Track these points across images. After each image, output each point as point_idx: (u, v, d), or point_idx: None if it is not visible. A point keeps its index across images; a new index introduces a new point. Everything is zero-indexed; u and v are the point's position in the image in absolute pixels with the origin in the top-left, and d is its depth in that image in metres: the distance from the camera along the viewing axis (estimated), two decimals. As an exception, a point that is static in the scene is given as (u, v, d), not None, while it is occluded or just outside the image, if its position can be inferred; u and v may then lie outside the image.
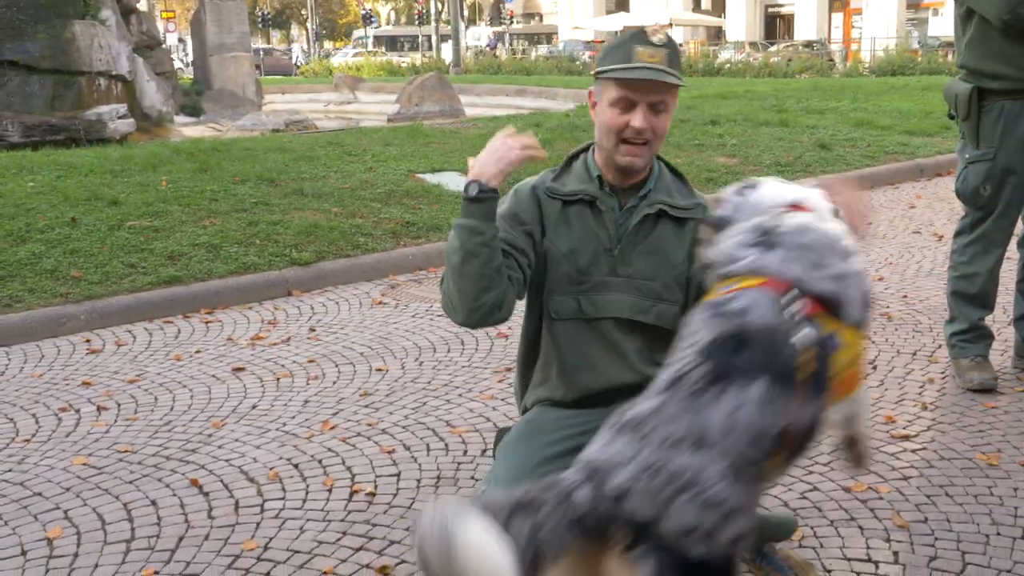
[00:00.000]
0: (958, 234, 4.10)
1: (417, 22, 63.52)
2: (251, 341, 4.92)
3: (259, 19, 52.08)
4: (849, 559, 2.71)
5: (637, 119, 2.31)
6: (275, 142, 9.83)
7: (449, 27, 36.08)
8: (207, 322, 5.28)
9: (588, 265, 2.40)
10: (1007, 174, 3.85)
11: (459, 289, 2.24)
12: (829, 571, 2.66)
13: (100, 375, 4.48)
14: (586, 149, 2.51)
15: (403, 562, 2.75)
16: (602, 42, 43.85)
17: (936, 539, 2.79)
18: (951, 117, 4.04)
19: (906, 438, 3.50)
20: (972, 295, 4.04)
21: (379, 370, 4.43)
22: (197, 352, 4.77)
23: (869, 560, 2.70)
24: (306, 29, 67.77)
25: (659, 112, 2.33)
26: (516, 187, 2.48)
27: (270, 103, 20.40)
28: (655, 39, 2.32)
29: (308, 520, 3.02)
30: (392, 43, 63.74)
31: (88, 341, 4.99)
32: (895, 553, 2.73)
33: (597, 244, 2.41)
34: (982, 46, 3.79)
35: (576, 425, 2.36)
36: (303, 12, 68.06)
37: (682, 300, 2.44)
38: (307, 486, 3.26)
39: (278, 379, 4.34)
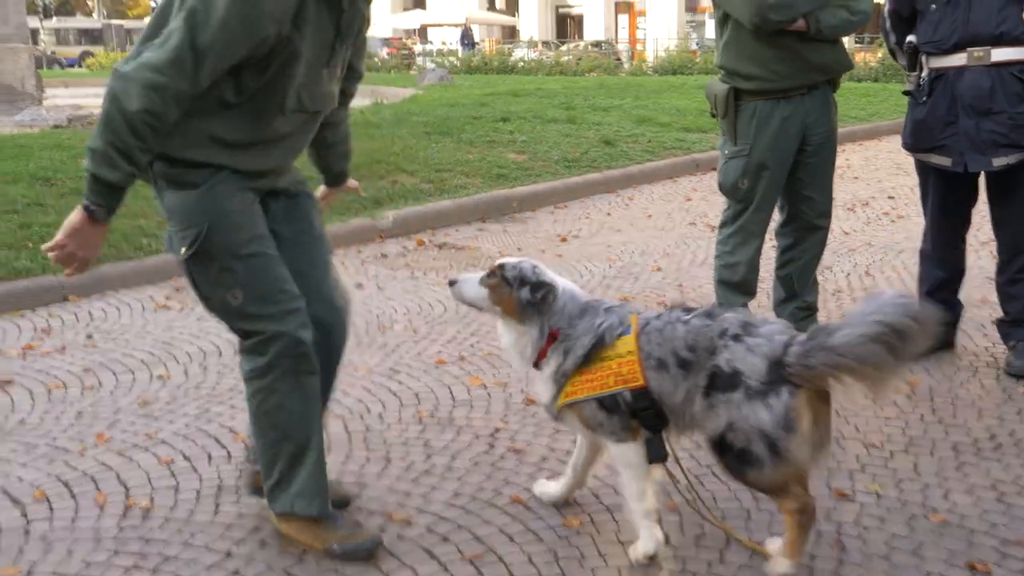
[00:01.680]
0: (721, 226, 4.28)
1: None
2: (22, 351, 4.59)
3: (40, 8, 48.99)
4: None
5: None
6: (53, 138, 9.26)
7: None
8: (-27, 332, 4.92)
9: (315, 59, 2.54)
10: (761, 169, 4.04)
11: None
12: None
13: None
14: None
15: (178, 578, 2.63)
16: (400, 39, 43.82)
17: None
18: (712, 115, 4.22)
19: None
20: (735, 283, 4.24)
21: (160, 377, 4.22)
22: (-41, 365, 4.43)
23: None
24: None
25: None
26: None
27: (52, 98, 19.26)
28: None
29: (76, 540, 2.83)
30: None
31: None
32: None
33: (325, 39, 2.55)
34: (737, 48, 3.96)
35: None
36: (89, 2, 64.60)
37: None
38: (76, 504, 3.05)
39: (50, 391, 4.07)
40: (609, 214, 7.73)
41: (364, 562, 2.66)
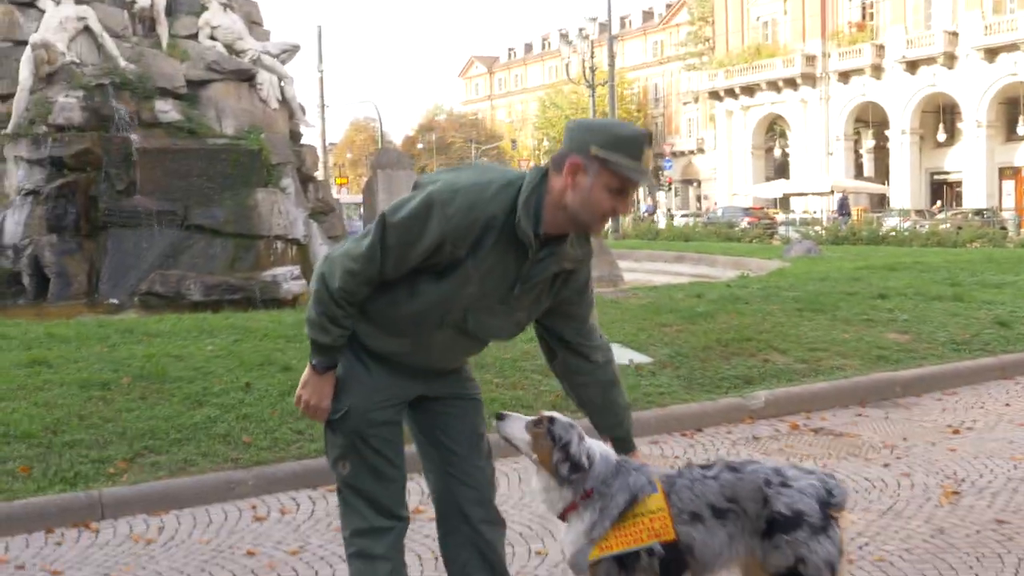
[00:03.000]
0: None
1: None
2: (412, 514, 4.89)
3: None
4: None
5: (623, 206, 2.74)
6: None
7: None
8: (368, 493, 5.30)
9: (493, 288, 2.80)
10: None
11: None
12: None
13: (264, 544, 4.53)
14: (542, 181, 2.76)
15: None
16: (762, 208, 44.04)
17: None
18: None
19: None
20: None
21: (538, 553, 4.34)
22: (358, 525, 4.78)
23: None
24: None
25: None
26: (476, 209, 2.72)
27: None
28: (651, 143, 2.73)
29: None
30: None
31: (254, 507, 5.09)
32: None
33: (504, 277, 2.78)
34: None
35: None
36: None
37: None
38: None
39: (437, 558, 4.28)
40: (1008, 404, 7.14)
41: None
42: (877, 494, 5.05)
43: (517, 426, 2.91)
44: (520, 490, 5.29)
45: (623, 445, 3.12)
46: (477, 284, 2.77)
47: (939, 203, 44.68)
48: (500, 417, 2.98)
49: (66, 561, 4.41)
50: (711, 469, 2.92)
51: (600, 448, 2.92)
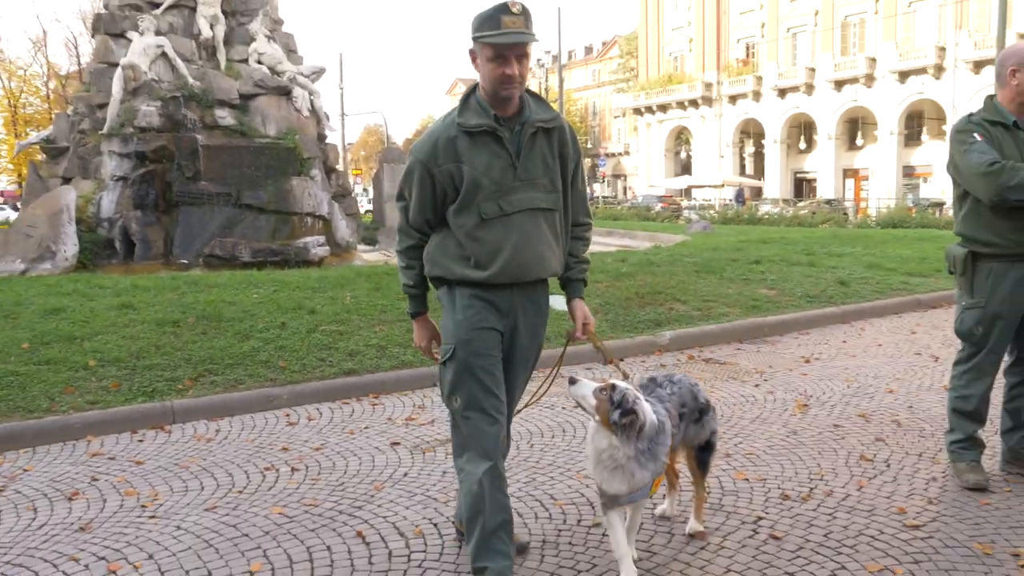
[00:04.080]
0: (956, 363, 3.86)
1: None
2: (406, 421, 4.90)
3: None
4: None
5: (509, 68, 2.51)
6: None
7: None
8: (374, 405, 5.29)
9: (500, 177, 2.59)
10: (996, 319, 3.63)
11: None
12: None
13: (294, 443, 4.51)
14: (473, 90, 2.65)
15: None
16: (671, 196, 44.02)
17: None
18: (950, 272, 3.85)
19: (916, 527, 3.25)
20: (968, 412, 3.79)
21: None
22: (365, 428, 4.77)
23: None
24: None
25: (521, 59, 2.54)
26: (435, 135, 2.61)
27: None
28: (514, 10, 2.49)
29: (443, 571, 2.92)
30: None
31: (288, 415, 5.06)
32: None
33: (503, 161, 2.59)
34: (975, 219, 3.62)
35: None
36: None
37: (561, 189, 2.73)
38: (443, 542, 3.17)
39: (424, 452, 4.30)
40: (845, 342, 7.23)
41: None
42: (749, 406, 5.10)
43: (587, 391, 2.61)
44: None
45: (573, 287, 2.91)
46: (486, 177, 2.58)
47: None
48: (572, 381, 2.65)
49: (147, 454, 4.36)
50: (664, 387, 2.95)
51: (650, 412, 2.65)
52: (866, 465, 3.97)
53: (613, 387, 2.60)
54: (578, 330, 2.88)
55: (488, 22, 2.49)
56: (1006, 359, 3.86)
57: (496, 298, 2.66)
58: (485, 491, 2.59)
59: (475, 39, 2.53)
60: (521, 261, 2.63)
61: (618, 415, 2.55)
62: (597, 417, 2.60)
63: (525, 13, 2.51)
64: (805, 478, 3.80)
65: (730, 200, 38.52)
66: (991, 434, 4.21)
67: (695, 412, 3.01)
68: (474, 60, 2.58)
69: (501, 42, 2.48)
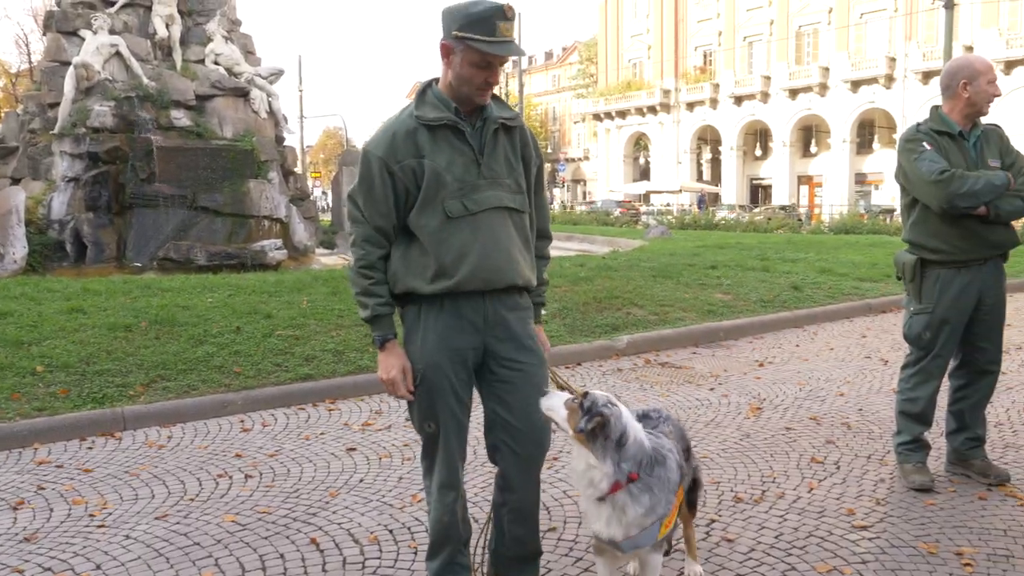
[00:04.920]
0: (904, 367, 3.94)
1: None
2: (362, 426, 4.85)
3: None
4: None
5: (494, 76, 2.34)
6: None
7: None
8: (330, 410, 5.23)
9: (463, 174, 2.38)
10: (943, 324, 3.72)
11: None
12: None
13: (248, 449, 4.44)
14: (429, 85, 2.44)
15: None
16: (630, 202, 44.34)
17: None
18: (899, 278, 3.93)
19: (864, 528, 3.30)
20: (915, 414, 3.87)
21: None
22: (321, 434, 4.71)
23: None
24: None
25: (498, 67, 2.35)
26: (391, 130, 2.38)
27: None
28: (509, 15, 2.28)
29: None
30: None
31: (242, 421, 4.98)
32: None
33: (466, 158, 2.38)
34: (924, 227, 3.70)
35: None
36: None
37: (526, 191, 2.51)
38: (398, 549, 3.15)
39: (380, 458, 4.26)
40: (797, 346, 7.34)
41: None
42: (704, 410, 5.14)
43: (557, 402, 2.29)
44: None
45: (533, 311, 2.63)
46: (449, 173, 2.36)
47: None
48: (541, 393, 2.39)
49: (96, 462, 4.26)
50: (666, 423, 2.61)
51: (636, 431, 2.28)
52: (817, 467, 4.02)
53: (585, 395, 2.26)
54: None
55: (481, 25, 2.25)
56: (952, 363, 3.95)
57: (467, 309, 2.41)
58: (457, 521, 2.55)
59: (461, 38, 2.28)
60: (491, 264, 2.38)
61: (584, 421, 2.18)
62: (570, 432, 2.23)
63: (516, 19, 2.40)
64: (758, 481, 3.85)
65: (689, 206, 38.98)
66: (937, 436, 4.30)
67: (685, 451, 2.70)
68: (447, 55, 2.34)
69: (496, 52, 2.28)
